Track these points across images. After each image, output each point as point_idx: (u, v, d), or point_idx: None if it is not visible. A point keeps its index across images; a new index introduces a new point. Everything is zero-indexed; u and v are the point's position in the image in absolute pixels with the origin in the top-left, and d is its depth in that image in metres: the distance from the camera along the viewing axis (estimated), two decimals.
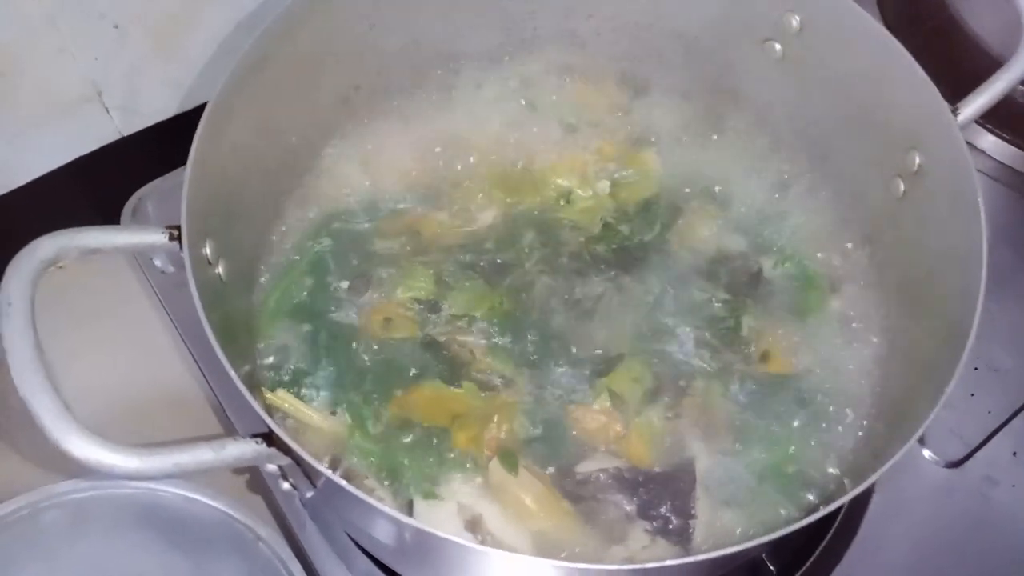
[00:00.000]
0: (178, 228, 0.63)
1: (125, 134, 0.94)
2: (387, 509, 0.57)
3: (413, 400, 0.74)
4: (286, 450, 0.59)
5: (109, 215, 0.93)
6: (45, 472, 0.78)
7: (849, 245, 0.83)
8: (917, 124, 0.75)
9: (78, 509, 0.77)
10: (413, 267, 0.80)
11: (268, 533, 0.76)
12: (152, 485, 0.77)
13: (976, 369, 0.92)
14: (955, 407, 0.90)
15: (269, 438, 0.59)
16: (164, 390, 0.87)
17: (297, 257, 0.81)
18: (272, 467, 0.62)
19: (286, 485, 0.64)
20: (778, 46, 0.83)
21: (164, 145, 0.93)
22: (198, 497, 0.77)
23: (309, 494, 0.65)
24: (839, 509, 0.83)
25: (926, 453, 0.88)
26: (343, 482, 0.56)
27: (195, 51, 0.91)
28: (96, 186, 0.95)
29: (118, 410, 0.83)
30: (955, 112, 0.73)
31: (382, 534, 0.70)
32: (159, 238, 0.63)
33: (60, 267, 0.95)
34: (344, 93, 0.85)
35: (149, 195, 0.93)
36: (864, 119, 0.80)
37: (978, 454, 0.88)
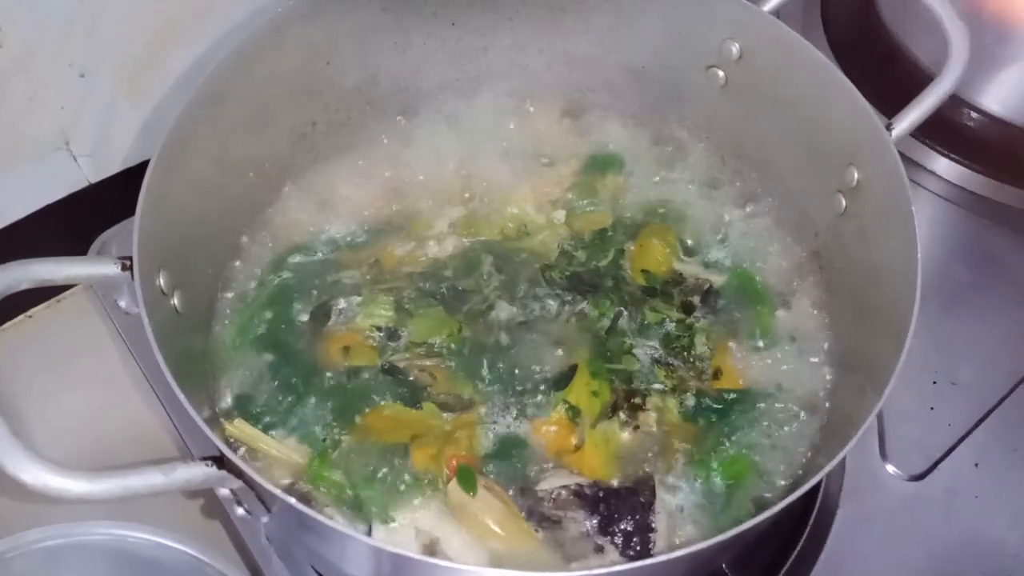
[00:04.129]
0: (130, 259, 0.64)
1: (93, 181, 0.95)
2: (337, 526, 0.57)
3: (373, 422, 0.75)
4: (238, 473, 0.59)
5: None
6: (14, 520, 0.77)
7: (797, 261, 0.85)
8: (854, 141, 0.77)
9: (48, 557, 0.76)
10: (374, 295, 0.81)
11: None
12: (122, 531, 0.77)
13: (935, 383, 0.93)
14: (916, 421, 0.91)
15: (220, 461, 0.59)
16: (130, 427, 0.87)
17: (257, 289, 0.82)
18: (225, 491, 0.62)
19: (240, 510, 0.64)
20: (721, 73, 0.86)
21: (134, 190, 0.94)
22: (168, 542, 0.76)
23: (264, 519, 0.65)
24: (806, 525, 0.83)
25: (889, 468, 0.88)
26: (292, 500, 0.56)
27: (162, 97, 0.92)
28: (67, 232, 0.96)
29: (87, 449, 0.83)
30: (889, 128, 0.75)
31: (343, 561, 0.70)
32: (111, 268, 0.64)
33: (29, 316, 0.97)
34: (301, 129, 0.86)
35: (114, 237, 0.94)
36: (806, 139, 0.82)
37: (940, 467, 0.89)
